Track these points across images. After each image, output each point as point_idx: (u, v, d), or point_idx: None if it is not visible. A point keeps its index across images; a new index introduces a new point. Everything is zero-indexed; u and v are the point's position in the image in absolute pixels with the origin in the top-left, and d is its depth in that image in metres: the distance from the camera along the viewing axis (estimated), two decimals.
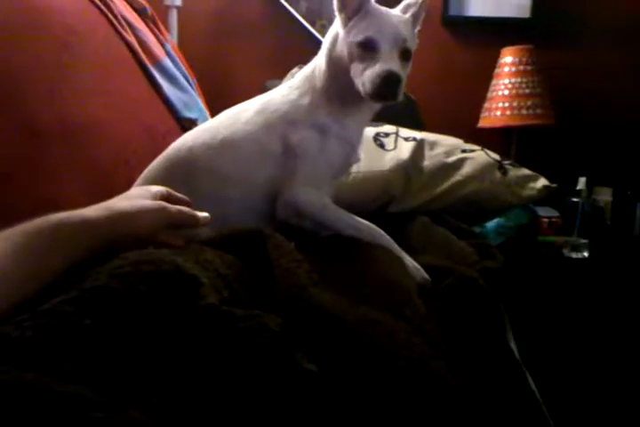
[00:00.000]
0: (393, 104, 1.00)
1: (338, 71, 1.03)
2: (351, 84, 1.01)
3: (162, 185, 0.83)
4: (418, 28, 1.09)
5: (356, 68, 0.99)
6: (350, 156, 1.11)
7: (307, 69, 1.11)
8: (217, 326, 0.51)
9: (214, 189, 0.99)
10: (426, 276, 0.92)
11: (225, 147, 1.02)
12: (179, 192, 0.81)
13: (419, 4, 1.08)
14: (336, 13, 1.05)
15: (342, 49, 1.02)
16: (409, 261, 0.94)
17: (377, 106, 1.10)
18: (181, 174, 1.00)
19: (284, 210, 1.00)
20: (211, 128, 1.06)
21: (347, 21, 1.02)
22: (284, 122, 1.03)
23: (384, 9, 1.05)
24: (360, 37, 0.98)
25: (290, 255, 0.72)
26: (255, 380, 0.48)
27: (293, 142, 1.02)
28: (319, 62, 1.08)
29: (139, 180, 1.06)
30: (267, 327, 0.51)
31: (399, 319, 0.62)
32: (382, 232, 0.98)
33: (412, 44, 1.03)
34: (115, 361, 0.47)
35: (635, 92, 2.36)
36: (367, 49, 0.98)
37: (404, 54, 1.00)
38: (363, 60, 0.98)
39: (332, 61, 1.05)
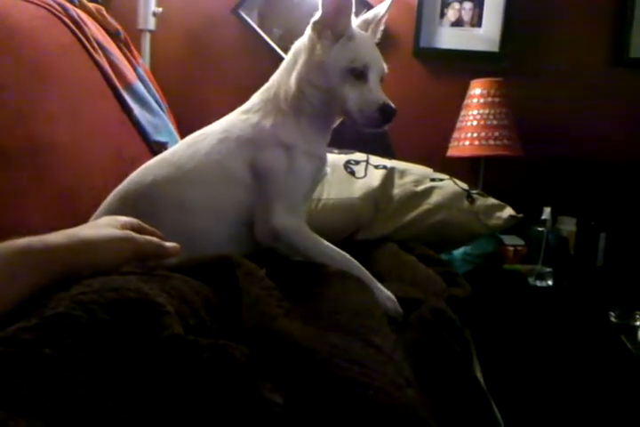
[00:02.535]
0: (378, 131, 1.03)
1: (316, 94, 1.04)
2: (327, 106, 1.02)
3: None
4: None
5: (344, 95, 1.00)
6: (319, 171, 1.11)
7: (263, 93, 1.10)
8: (181, 356, 0.50)
9: (181, 221, 0.97)
10: (399, 308, 0.92)
11: (190, 178, 1.00)
12: None
13: (377, 21, 1.11)
14: (310, 35, 1.05)
15: (323, 73, 1.02)
16: (382, 291, 0.94)
17: (336, 123, 1.12)
18: (144, 208, 0.97)
19: (261, 235, 1.00)
20: (172, 159, 1.03)
21: (329, 45, 1.02)
22: (249, 147, 1.03)
23: (365, 34, 1.07)
24: (350, 64, 1.00)
25: (260, 283, 0.71)
26: (218, 412, 0.47)
27: (261, 166, 1.02)
28: (283, 84, 1.07)
29: (95, 215, 1.02)
30: (232, 358, 0.50)
31: (369, 347, 0.62)
32: (355, 261, 0.99)
33: (386, 69, 1.06)
34: (74, 393, 0.45)
35: (596, 126, 2.43)
36: (355, 76, 1.00)
37: (381, 80, 1.04)
38: (351, 87, 1.00)
39: (308, 84, 1.04)
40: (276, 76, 1.11)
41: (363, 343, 0.62)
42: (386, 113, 0.99)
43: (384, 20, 1.13)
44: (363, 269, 0.98)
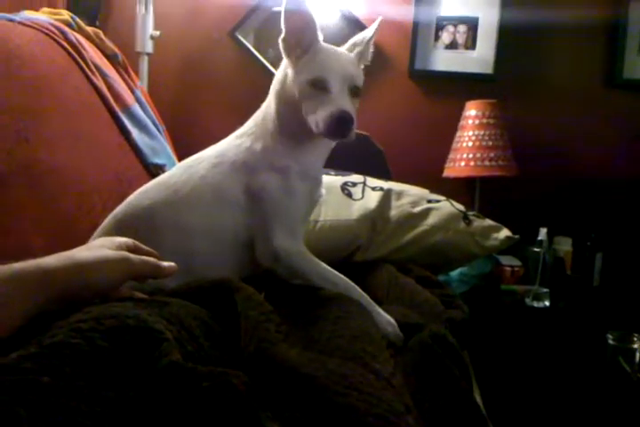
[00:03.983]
0: (347, 141, 0.99)
1: (289, 111, 1.04)
2: (303, 122, 1.01)
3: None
4: (362, 65, 1.12)
5: (307, 107, 1.00)
6: (315, 191, 1.11)
7: (256, 116, 1.11)
8: (180, 384, 0.50)
9: (179, 244, 0.97)
10: (399, 332, 0.91)
11: (187, 202, 1.00)
12: None
13: (364, 43, 1.12)
14: (283, 54, 1.07)
15: (292, 89, 1.03)
16: (381, 315, 0.94)
17: (332, 142, 1.11)
18: (142, 231, 0.97)
19: (262, 257, 1.00)
20: (169, 183, 1.04)
21: (296, 61, 1.03)
22: (244, 170, 1.03)
23: (332, 48, 1.07)
24: (311, 76, 0.99)
25: (259, 307, 0.71)
26: None
27: (256, 189, 1.02)
28: (269, 107, 1.09)
29: (92, 238, 1.01)
30: (231, 386, 0.50)
31: (368, 373, 0.62)
32: (355, 285, 0.98)
33: (360, 81, 1.05)
34: (74, 421, 0.45)
35: (591, 146, 2.45)
36: (318, 88, 0.99)
37: (354, 91, 1.02)
38: (314, 98, 0.99)
39: (283, 101, 1.05)
40: (265, 101, 1.12)
41: (362, 369, 0.62)
42: (339, 120, 0.95)
43: (372, 41, 1.14)
44: (362, 292, 0.98)
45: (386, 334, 0.88)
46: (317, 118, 0.97)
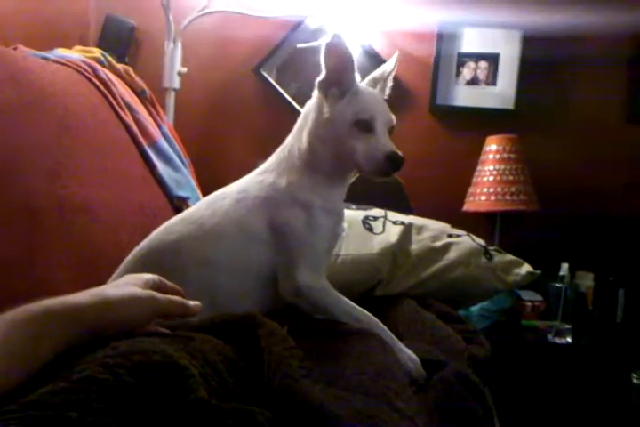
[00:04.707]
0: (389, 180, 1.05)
1: (325, 148, 1.06)
2: (338, 160, 1.05)
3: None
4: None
5: (353, 147, 1.02)
6: (337, 226, 1.12)
7: (279, 152, 1.13)
8: (205, 421, 0.51)
9: (203, 279, 0.99)
10: (421, 370, 0.91)
11: (211, 237, 1.02)
12: None
13: (384, 78, 1.15)
14: (319, 94, 1.08)
15: (332, 128, 1.05)
16: (404, 351, 0.93)
17: (352, 177, 1.14)
18: (167, 265, 0.99)
19: (285, 292, 1.00)
20: (193, 219, 1.05)
21: (336, 101, 1.05)
22: (267, 206, 1.04)
23: (369, 88, 1.10)
24: (356, 117, 1.02)
25: (282, 343, 0.71)
26: None
27: (280, 224, 1.03)
28: (296, 143, 1.10)
29: (118, 272, 1.03)
30: (256, 423, 0.51)
31: (393, 412, 0.62)
32: (378, 321, 0.98)
33: (395, 122, 1.09)
34: None
35: (612, 181, 2.44)
36: (362, 128, 1.02)
37: (390, 131, 1.06)
38: (359, 138, 1.02)
39: (319, 139, 1.07)
40: (289, 137, 1.14)
41: (386, 408, 0.62)
42: (393, 161, 1.01)
43: (391, 76, 1.17)
44: (385, 328, 0.98)
45: (408, 371, 0.88)
46: (367, 158, 1.01)
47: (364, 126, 1.03)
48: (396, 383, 0.70)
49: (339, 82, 1.05)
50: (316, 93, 1.10)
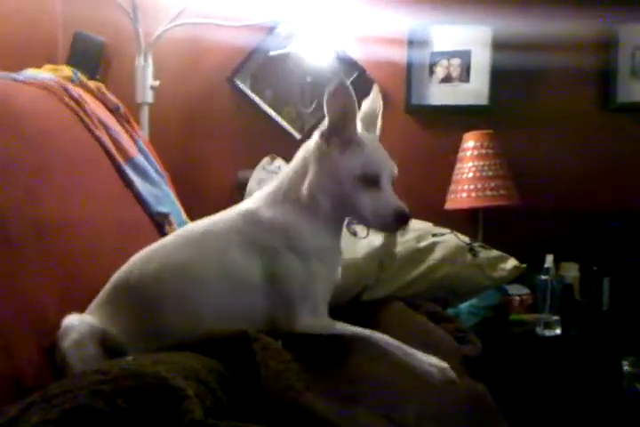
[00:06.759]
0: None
1: (325, 200, 1.05)
2: (340, 211, 1.06)
3: (117, 319, 0.84)
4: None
5: (359, 201, 1.02)
6: (336, 264, 1.11)
7: (274, 193, 1.09)
8: None
9: (185, 324, 0.96)
10: (448, 373, 0.89)
11: (198, 280, 0.99)
12: (138, 327, 0.83)
13: (375, 118, 1.14)
14: (318, 142, 1.05)
15: (333, 180, 1.04)
16: (423, 356, 0.92)
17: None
18: (144, 309, 0.97)
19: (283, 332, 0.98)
20: (179, 258, 1.02)
21: (339, 153, 1.03)
22: (263, 253, 1.02)
23: (370, 138, 1.08)
24: (363, 172, 1.01)
25: (278, 356, 0.71)
26: None
27: (277, 273, 1.01)
28: (293, 186, 1.07)
29: (91, 307, 1.02)
30: None
31: (390, 424, 0.62)
32: (383, 336, 0.97)
33: (396, 172, 1.08)
34: None
35: (588, 170, 2.46)
36: (368, 181, 1.02)
37: (392, 182, 1.06)
38: (365, 192, 1.02)
39: (319, 191, 1.05)
40: (284, 178, 1.10)
41: (384, 418, 0.62)
42: (400, 218, 1.01)
43: (380, 114, 1.15)
44: (400, 344, 0.96)
45: (431, 377, 0.87)
46: (374, 215, 1.01)
47: (370, 181, 1.02)
48: (393, 395, 0.70)
49: (342, 131, 1.03)
50: (315, 141, 1.07)
